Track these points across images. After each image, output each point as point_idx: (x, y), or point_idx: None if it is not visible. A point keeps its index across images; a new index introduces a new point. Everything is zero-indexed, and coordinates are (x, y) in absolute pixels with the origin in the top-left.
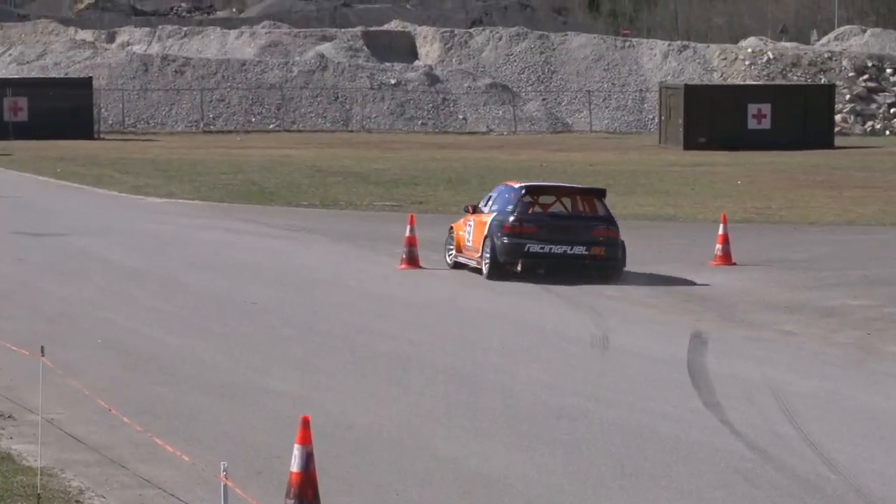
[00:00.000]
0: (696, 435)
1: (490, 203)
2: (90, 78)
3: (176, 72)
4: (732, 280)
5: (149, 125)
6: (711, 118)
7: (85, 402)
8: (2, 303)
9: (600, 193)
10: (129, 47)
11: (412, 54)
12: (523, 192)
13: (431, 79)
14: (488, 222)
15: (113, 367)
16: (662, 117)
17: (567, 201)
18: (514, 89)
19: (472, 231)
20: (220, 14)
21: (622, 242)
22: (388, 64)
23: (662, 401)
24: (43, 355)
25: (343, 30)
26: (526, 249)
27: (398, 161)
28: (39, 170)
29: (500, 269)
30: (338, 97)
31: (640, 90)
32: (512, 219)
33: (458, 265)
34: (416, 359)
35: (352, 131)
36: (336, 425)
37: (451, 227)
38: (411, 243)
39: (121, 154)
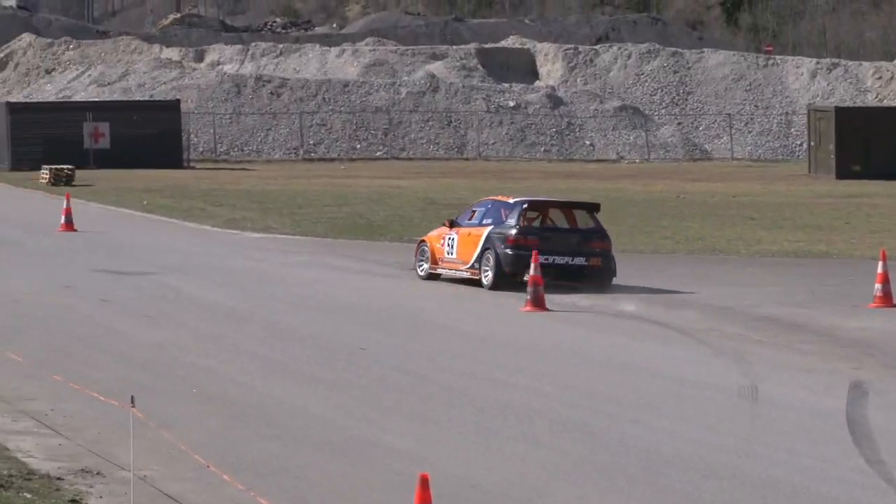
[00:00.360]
0: (858, 495)
1: (475, 217)
2: (177, 100)
3: (272, 94)
4: (894, 324)
5: (243, 152)
6: (866, 144)
7: (180, 458)
8: (86, 348)
9: (594, 208)
10: (220, 67)
11: (532, 74)
12: (525, 206)
13: (554, 101)
14: (483, 235)
15: (210, 419)
16: (811, 143)
17: (563, 215)
18: (646, 112)
19: (455, 244)
20: (318, 30)
21: (613, 255)
22: (505, 84)
23: (820, 458)
24: (133, 406)
25: (455, 47)
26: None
27: (519, 192)
28: (124, 202)
29: (505, 280)
30: (451, 121)
31: (786, 113)
32: (515, 232)
33: (431, 276)
34: (544, 411)
35: (467, 159)
36: (458, 485)
37: (423, 240)
38: (536, 283)
39: (213, 184)
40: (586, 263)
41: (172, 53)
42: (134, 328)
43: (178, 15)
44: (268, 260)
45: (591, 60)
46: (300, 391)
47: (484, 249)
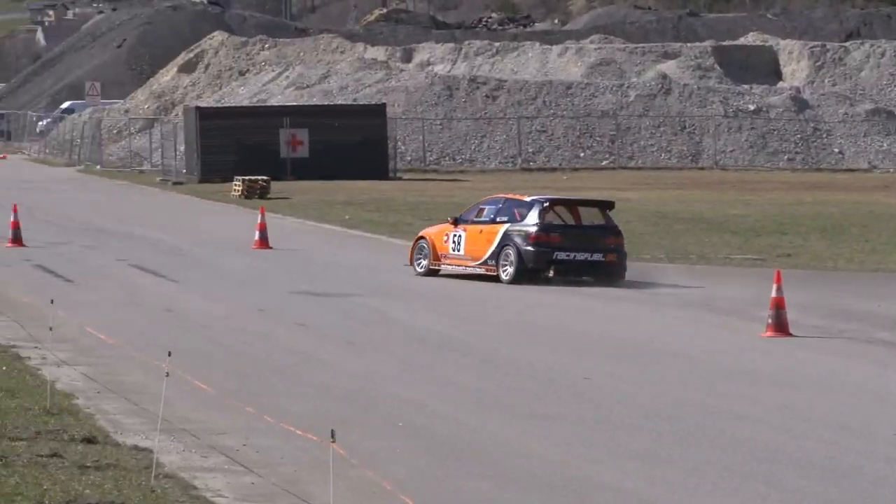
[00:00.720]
0: None
1: (485, 214)
2: (383, 105)
3: (487, 96)
4: None
5: (454, 161)
6: None
7: (384, 498)
8: (282, 378)
9: (608, 205)
10: (430, 67)
11: (774, 74)
12: (546, 203)
13: (799, 104)
14: (500, 232)
15: (418, 456)
16: None
17: (580, 213)
18: None
19: (463, 240)
20: (538, 27)
21: (625, 251)
22: (745, 86)
23: None
24: (334, 441)
25: (689, 44)
26: (555, 257)
27: (760, 205)
28: (324, 216)
29: (527, 275)
30: (685, 127)
31: None
32: (536, 229)
33: (431, 272)
34: (787, 448)
35: (702, 168)
36: None
37: (422, 237)
38: (779, 306)
39: (421, 197)
40: (603, 259)
41: (378, 53)
42: (334, 356)
43: (385, 10)
44: (482, 282)
45: (841, 59)
46: (516, 426)
47: (502, 246)
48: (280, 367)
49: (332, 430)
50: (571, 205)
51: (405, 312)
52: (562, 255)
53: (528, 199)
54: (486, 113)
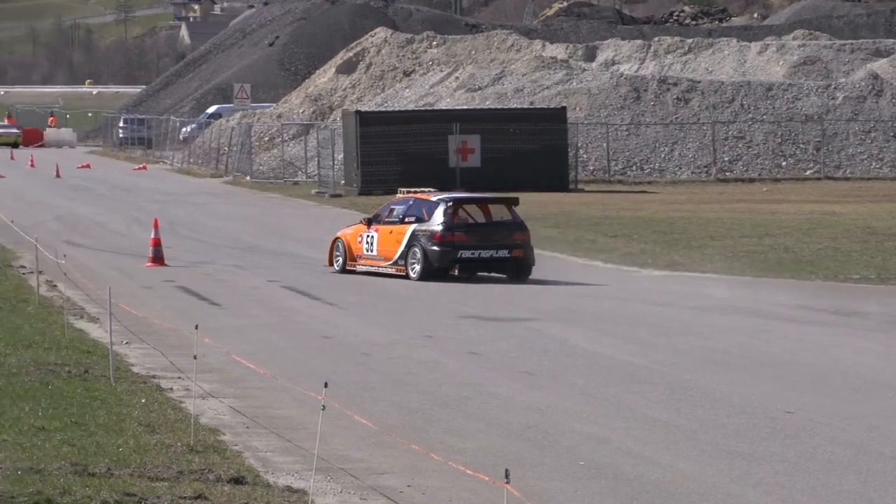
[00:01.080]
0: None
1: (394, 215)
2: (563, 108)
3: (678, 99)
4: None
5: (642, 171)
6: None
7: None
8: (451, 412)
9: (513, 202)
10: (615, 67)
11: None
12: (449, 203)
13: None
14: (408, 232)
15: (602, 497)
16: None
17: (485, 210)
18: None
19: (375, 240)
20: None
21: (532, 245)
22: None
23: None
24: (508, 482)
25: None
26: (459, 255)
27: None
28: None
29: (433, 274)
30: None
31: None
32: (442, 228)
33: (347, 272)
34: None
35: None
36: None
37: (338, 237)
38: None
39: (606, 211)
40: (509, 255)
41: (558, 51)
42: (509, 387)
43: (565, 4)
44: (672, 304)
45: None
46: (711, 465)
47: (410, 246)
48: (448, 399)
49: (507, 470)
50: (475, 202)
51: (586, 339)
52: (466, 254)
53: (434, 198)
54: (677, 117)
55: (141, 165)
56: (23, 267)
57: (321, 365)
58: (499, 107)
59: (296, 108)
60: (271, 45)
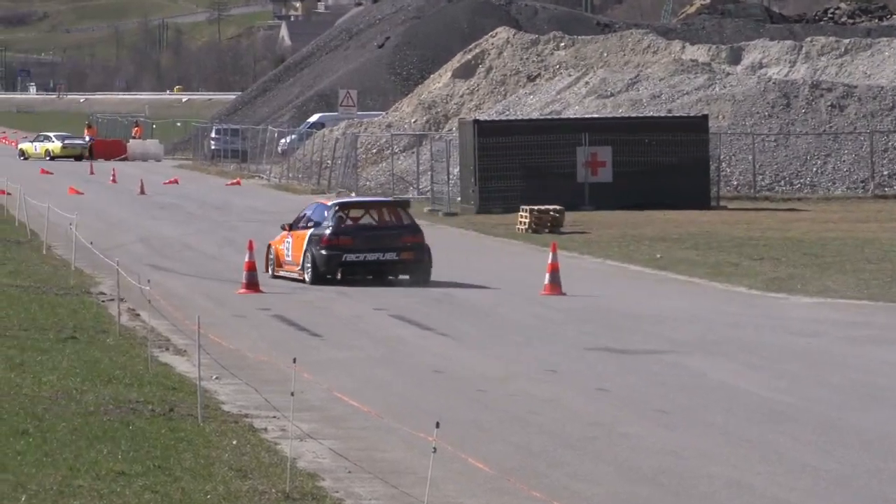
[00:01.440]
0: None
1: (305, 220)
2: (705, 116)
3: (833, 106)
4: None
5: (792, 186)
6: None
7: None
8: (576, 454)
9: (404, 204)
10: (763, 70)
11: None
12: (336, 208)
13: None
14: (306, 237)
15: None
16: None
17: (375, 214)
18: None
19: (290, 246)
20: None
21: (427, 247)
22: None
23: None
24: None
25: None
26: (343, 259)
27: None
28: (629, 255)
29: (322, 279)
30: None
31: None
32: (328, 232)
33: (276, 278)
34: None
35: None
36: None
37: (270, 245)
38: None
39: (750, 230)
40: (398, 258)
41: (699, 53)
42: (641, 427)
43: (708, 1)
44: (824, 334)
45: None
46: None
47: (306, 251)
48: (573, 440)
49: None
50: (364, 207)
51: (727, 373)
52: (351, 257)
53: (329, 203)
54: (831, 126)
55: (234, 181)
56: (102, 294)
57: (432, 402)
58: (633, 115)
59: (407, 116)
60: (381, 46)
